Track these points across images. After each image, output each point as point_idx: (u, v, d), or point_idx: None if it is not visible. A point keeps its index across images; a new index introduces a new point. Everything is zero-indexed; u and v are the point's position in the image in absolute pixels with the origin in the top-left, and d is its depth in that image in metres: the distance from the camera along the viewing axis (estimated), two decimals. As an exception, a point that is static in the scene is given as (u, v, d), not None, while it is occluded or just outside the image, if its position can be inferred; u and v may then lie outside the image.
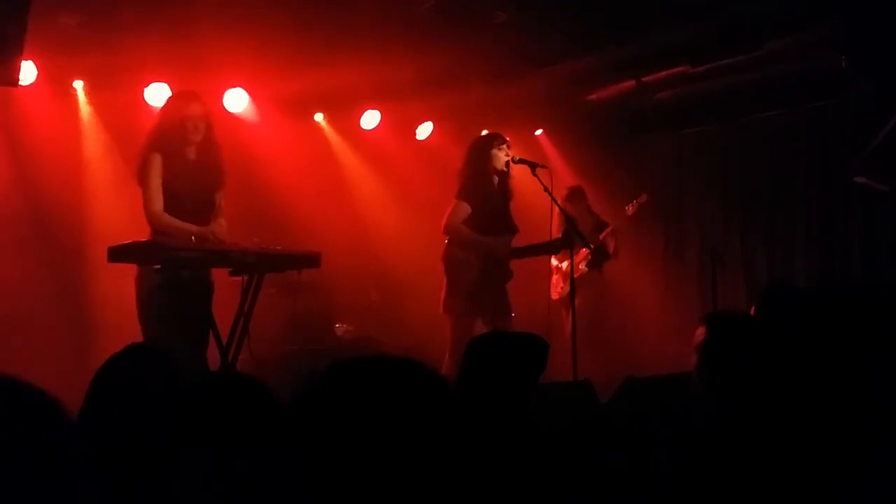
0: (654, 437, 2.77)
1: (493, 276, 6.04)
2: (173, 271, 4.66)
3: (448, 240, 6.08)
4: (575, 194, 7.54)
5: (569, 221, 6.14)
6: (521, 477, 2.40)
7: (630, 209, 7.45)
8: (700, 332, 3.04)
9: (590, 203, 7.65)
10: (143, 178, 4.88)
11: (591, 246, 6.69)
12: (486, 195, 5.98)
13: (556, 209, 6.21)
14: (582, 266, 7.31)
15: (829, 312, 2.32)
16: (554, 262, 7.46)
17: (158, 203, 4.83)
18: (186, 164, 4.95)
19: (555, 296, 7.39)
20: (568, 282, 7.15)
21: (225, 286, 5.27)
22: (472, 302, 5.91)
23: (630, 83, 7.78)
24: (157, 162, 4.85)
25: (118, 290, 5.24)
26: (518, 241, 6.20)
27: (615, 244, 7.48)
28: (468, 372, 2.90)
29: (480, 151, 6.05)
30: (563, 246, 6.40)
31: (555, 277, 7.49)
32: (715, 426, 2.41)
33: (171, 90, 6.48)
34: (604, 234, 7.39)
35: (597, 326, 7.30)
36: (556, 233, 6.59)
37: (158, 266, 4.61)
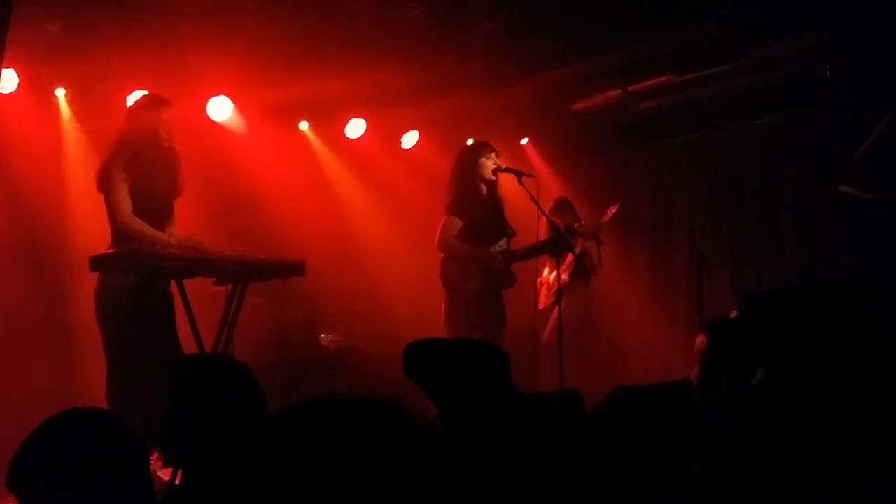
0: (643, 446, 2.74)
1: (493, 286, 6.00)
2: (138, 282, 4.61)
3: (444, 255, 6.04)
4: (561, 205, 7.50)
5: (555, 229, 6.11)
6: (508, 488, 2.36)
7: (604, 218, 7.38)
8: (700, 340, 2.99)
9: (577, 214, 7.59)
10: (110, 181, 4.81)
11: (577, 252, 6.66)
12: (476, 205, 5.96)
13: (543, 217, 6.19)
14: (564, 276, 7.26)
15: (812, 313, 2.29)
16: (544, 272, 7.43)
17: (128, 206, 4.77)
18: (153, 168, 4.91)
19: (541, 306, 7.37)
20: (552, 293, 7.12)
21: (209, 295, 5.22)
22: (473, 314, 5.87)
23: (616, 92, 7.78)
24: (125, 166, 4.80)
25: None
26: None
27: (599, 254, 7.43)
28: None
29: (467, 162, 6.04)
30: (556, 246, 6.31)
31: (542, 288, 7.46)
32: (730, 433, 2.37)
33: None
34: (582, 244, 7.23)
35: (583, 336, 7.27)
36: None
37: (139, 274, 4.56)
